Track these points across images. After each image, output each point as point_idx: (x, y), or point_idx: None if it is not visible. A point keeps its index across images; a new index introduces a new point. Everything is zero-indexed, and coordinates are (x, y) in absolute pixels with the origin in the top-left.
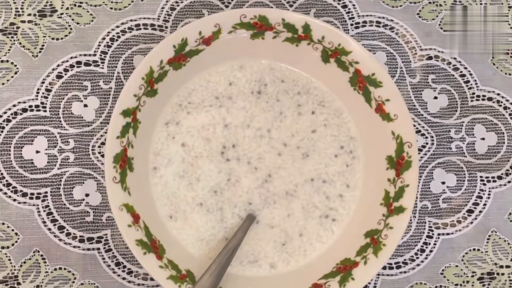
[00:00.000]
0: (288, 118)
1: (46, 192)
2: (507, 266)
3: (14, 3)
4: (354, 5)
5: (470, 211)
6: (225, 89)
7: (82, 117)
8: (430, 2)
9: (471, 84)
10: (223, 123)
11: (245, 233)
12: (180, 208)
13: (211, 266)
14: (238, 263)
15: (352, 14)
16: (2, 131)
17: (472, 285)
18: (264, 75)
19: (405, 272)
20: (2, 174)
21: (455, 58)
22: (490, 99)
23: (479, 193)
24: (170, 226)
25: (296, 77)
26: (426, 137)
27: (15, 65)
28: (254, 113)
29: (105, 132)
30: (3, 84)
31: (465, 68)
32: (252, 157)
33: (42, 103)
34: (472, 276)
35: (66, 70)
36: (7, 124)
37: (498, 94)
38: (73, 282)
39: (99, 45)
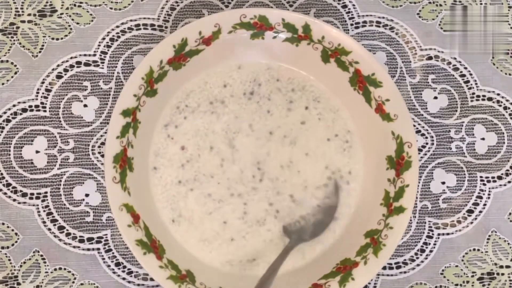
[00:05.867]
0: (274, 115)
1: (46, 192)
2: (507, 266)
3: (14, 3)
4: (354, 5)
5: (470, 211)
6: (220, 92)
7: (82, 117)
8: (430, 2)
9: (471, 84)
10: (215, 128)
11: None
12: (182, 212)
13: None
14: (237, 262)
15: (352, 14)
16: (2, 131)
17: (472, 285)
18: (260, 75)
19: (405, 272)
20: (2, 174)
21: (455, 58)
22: (490, 99)
23: (479, 193)
24: (171, 229)
25: (292, 75)
26: (426, 137)
27: (15, 65)
28: (242, 115)
29: (105, 132)
30: (3, 84)
31: (465, 68)
32: (248, 160)
33: (42, 103)
34: (472, 276)
35: (66, 70)
36: (7, 124)
37: (498, 94)
38: (73, 282)
39: (99, 45)
